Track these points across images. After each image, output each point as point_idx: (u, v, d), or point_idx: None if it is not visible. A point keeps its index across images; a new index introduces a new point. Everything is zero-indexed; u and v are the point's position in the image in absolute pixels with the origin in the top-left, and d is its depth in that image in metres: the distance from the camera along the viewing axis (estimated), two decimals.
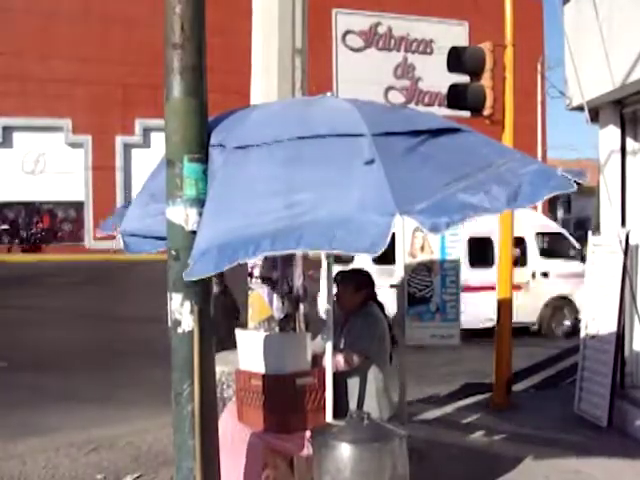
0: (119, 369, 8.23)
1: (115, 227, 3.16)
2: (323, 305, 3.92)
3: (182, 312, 2.67)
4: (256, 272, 4.35)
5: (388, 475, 2.93)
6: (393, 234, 2.37)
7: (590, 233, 6.65)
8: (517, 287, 9.30)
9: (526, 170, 2.67)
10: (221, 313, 4.32)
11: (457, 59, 6.94)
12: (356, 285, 3.93)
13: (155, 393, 5.54)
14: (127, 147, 30.34)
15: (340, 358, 3.63)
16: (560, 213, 40.99)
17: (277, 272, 4.32)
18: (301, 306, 4.42)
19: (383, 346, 3.87)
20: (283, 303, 4.34)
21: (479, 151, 2.85)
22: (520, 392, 7.36)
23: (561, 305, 11.42)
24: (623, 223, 6.20)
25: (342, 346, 3.78)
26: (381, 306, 4.04)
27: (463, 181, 2.55)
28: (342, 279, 3.92)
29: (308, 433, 3.34)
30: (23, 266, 23.48)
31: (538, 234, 11.70)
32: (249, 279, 4.42)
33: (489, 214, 2.50)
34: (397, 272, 5.49)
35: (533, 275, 11.29)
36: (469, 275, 9.53)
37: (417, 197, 2.42)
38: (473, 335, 9.28)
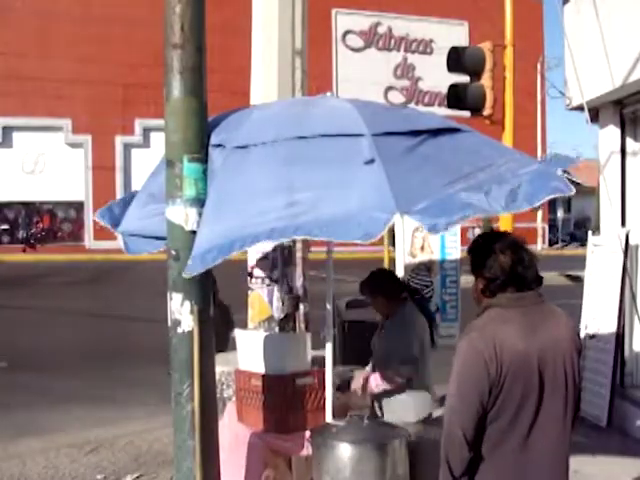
0: (119, 369, 8.22)
1: (113, 225, 3.15)
2: None
3: (182, 312, 2.67)
4: (256, 272, 4.35)
5: (388, 475, 2.92)
6: (393, 234, 2.37)
7: (590, 233, 6.65)
8: None
9: (526, 170, 2.67)
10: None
11: (457, 59, 6.95)
12: (385, 295, 3.81)
13: (155, 393, 5.55)
14: (127, 147, 30.35)
15: (374, 381, 3.63)
16: (560, 213, 40.98)
17: (277, 272, 4.32)
18: (301, 306, 4.42)
19: (423, 356, 3.77)
20: (283, 303, 4.34)
21: (479, 151, 2.85)
22: None
23: None
24: (623, 223, 6.19)
25: (377, 348, 3.73)
26: (421, 300, 3.96)
27: (463, 181, 2.55)
28: (371, 292, 3.82)
29: (308, 433, 3.34)
30: (23, 266, 23.48)
31: None
32: (249, 279, 4.42)
33: (488, 214, 2.51)
34: (397, 272, 5.49)
35: None
36: None
37: (417, 197, 2.42)
38: None
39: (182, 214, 2.67)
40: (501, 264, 2.30)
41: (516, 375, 2.18)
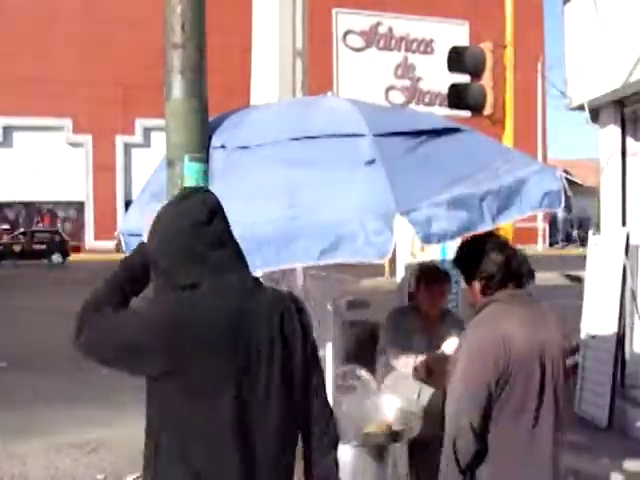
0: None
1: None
2: None
3: None
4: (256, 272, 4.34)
5: (388, 475, 2.92)
6: None
7: (590, 233, 6.65)
8: None
9: (525, 172, 2.67)
10: None
11: (457, 59, 6.95)
12: (449, 283, 3.43)
13: None
14: (127, 147, 30.40)
15: None
16: (560, 213, 40.98)
17: (277, 272, 4.31)
18: None
19: None
20: None
21: (479, 151, 2.86)
22: None
23: None
24: (623, 223, 6.19)
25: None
26: None
27: (463, 182, 2.55)
28: (439, 277, 3.40)
29: None
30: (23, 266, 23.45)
31: None
32: None
33: (482, 229, 2.51)
34: (398, 272, 5.49)
35: None
36: None
37: (417, 197, 2.42)
38: None
39: None
40: (495, 261, 2.34)
41: (521, 368, 2.23)
